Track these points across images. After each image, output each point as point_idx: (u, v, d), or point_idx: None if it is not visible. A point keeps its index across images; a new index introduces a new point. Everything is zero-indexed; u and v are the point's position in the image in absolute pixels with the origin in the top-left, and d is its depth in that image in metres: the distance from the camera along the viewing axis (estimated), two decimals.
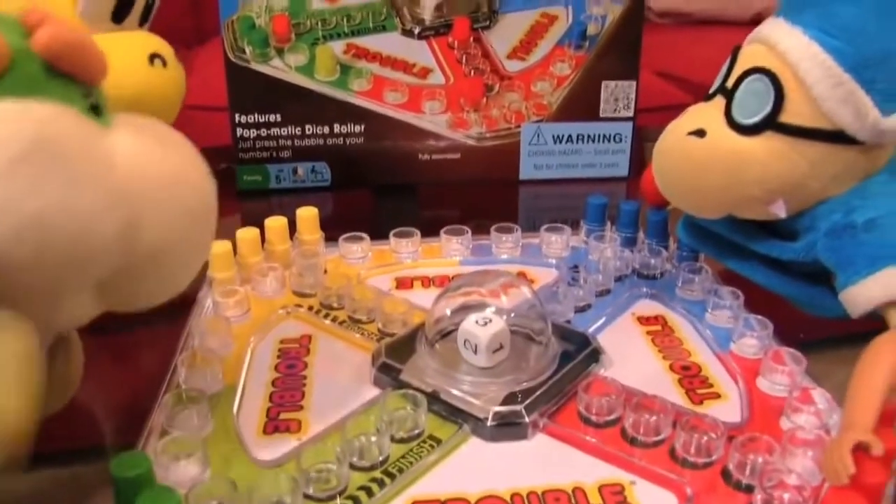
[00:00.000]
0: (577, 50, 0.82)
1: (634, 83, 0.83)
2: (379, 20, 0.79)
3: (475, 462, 0.43)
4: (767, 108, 0.49)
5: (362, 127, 0.82)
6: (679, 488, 0.41)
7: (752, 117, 0.50)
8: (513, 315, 0.49)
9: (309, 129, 0.82)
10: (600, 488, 0.41)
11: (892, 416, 0.39)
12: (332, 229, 0.66)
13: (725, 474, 0.41)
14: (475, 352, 0.47)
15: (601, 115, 0.84)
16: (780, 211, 0.52)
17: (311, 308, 0.58)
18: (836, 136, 0.49)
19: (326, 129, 0.82)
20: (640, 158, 0.86)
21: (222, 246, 0.59)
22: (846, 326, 0.50)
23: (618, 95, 0.83)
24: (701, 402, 0.47)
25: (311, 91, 0.80)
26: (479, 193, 0.84)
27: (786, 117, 0.49)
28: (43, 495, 0.42)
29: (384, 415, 0.44)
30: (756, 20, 0.99)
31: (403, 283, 0.62)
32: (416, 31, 0.80)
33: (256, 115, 0.80)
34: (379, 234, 0.66)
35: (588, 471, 0.42)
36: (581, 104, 0.84)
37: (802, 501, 0.38)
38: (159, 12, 0.66)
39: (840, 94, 0.48)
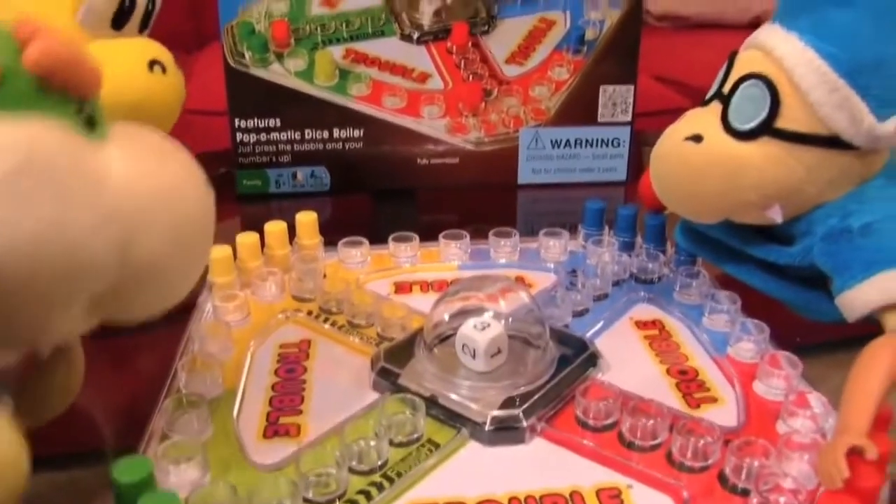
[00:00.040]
0: (576, 55, 0.82)
1: (632, 87, 0.83)
2: (378, 25, 0.79)
3: (473, 466, 0.43)
4: (763, 114, 0.50)
5: (361, 132, 0.82)
6: (676, 492, 0.41)
7: (748, 123, 0.50)
8: (511, 320, 0.49)
9: (308, 134, 0.82)
10: (597, 492, 0.41)
11: (887, 420, 0.39)
12: (332, 234, 0.66)
13: (722, 478, 0.41)
14: (473, 356, 0.47)
15: (599, 120, 0.84)
16: (776, 216, 0.52)
17: (310, 313, 0.58)
18: (832, 142, 0.49)
19: (326, 134, 0.82)
20: (638, 163, 0.86)
21: (222, 251, 0.59)
22: (842, 330, 0.50)
23: (616, 100, 0.84)
24: (698, 406, 0.48)
25: (311, 96, 0.80)
26: (477, 198, 0.84)
27: (782, 123, 0.49)
28: (41, 499, 0.42)
29: (383, 419, 0.44)
30: (754, 24, 0.99)
31: (402, 288, 0.62)
32: (415, 36, 0.80)
33: (256, 120, 0.81)
34: (378, 238, 0.66)
35: (585, 475, 0.42)
36: (579, 109, 0.84)
37: None
38: (159, 17, 0.67)
39: (835, 99, 0.48)
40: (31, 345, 0.40)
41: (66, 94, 0.37)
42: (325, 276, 0.61)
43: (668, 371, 0.51)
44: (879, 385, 0.39)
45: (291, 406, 0.48)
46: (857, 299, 0.47)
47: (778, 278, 0.55)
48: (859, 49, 0.48)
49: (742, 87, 0.51)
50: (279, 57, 0.79)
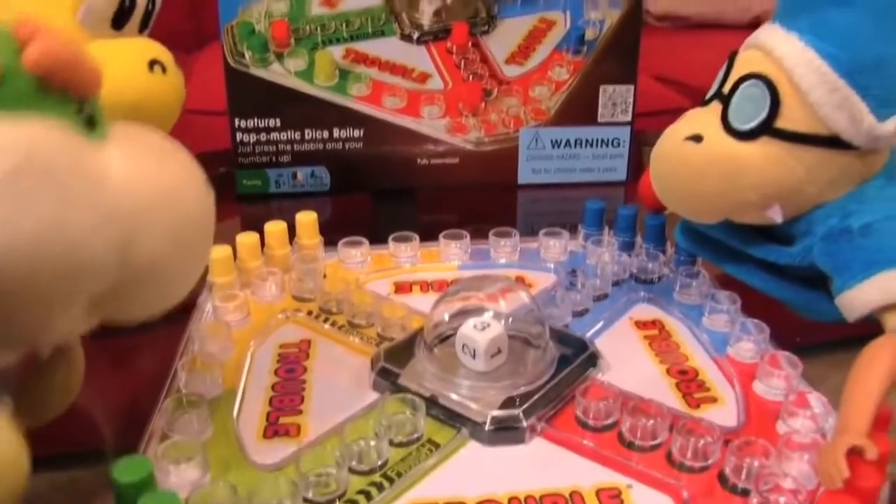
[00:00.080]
0: (576, 55, 0.82)
1: (632, 87, 0.84)
2: (378, 25, 0.79)
3: (473, 466, 0.43)
4: (763, 114, 0.50)
5: (361, 131, 0.82)
6: (676, 492, 0.41)
7: (748, 123, 0.50)
8: (511, 320, 0.49)
9: (308, 134, 0.82)
10: (597, 492, 0.41)
11: (887, 420, 0.39)
12: (332, 233, 0.66)
13: (722, 478, 0.41)
14: (473, 356, 0.47)
15: (599, 120, 0.84)
16: (776, 216, 0.52)
17: (310, 313, 0.58)
18: (832, 142, 0.49)
19: (326, 134, 0.82)
20: (638, 162, 0.87)
21: (222, 251, 0.59)
22: (842, 330, 0.50)
23: (616, 100, 0.84)
24: (698, 406, 0.48)
25: (311, 96, 0.81)
26: (477, 198, 0.84)
27: (782, 123, 0.49)
28: (41, 499, 0.42)
29: (383, 419, 0.44)
30: (754, 24, 0.99)
31: (402, 288, 0.62)
32: (415, 36, 0.80)
33: (256, 120, 0.81)
34: (378, 238, 0.66)
35: (585, 475, 0.42)
36: (579, 109, 0.84)
37: None
38: (159, 17, 0.67)
39: (835, 99, 0.48)
40: (31, 345, 0.40)
41: (66, 94, 0.36)
42: (325, 276, 0.61)
43: (668, 371, 0.51)
44: (879, 385, 0.39)
45: (291, 406, 0.48)
46: (857, 299, 0.47)
47: (778, 278, 0.55)
48: (859, 49, 0.48)
49: (742, 87, 0.51)
50: (279, 57, 0.79)
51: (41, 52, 0.35)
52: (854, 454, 0.37)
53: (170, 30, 0.70)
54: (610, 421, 0.45)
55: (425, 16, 0.80)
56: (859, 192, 0.51)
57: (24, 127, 0.34)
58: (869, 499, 0.36)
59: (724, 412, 0.47)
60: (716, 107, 0.52)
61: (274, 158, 0.82)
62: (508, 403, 0.46)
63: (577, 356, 0.51)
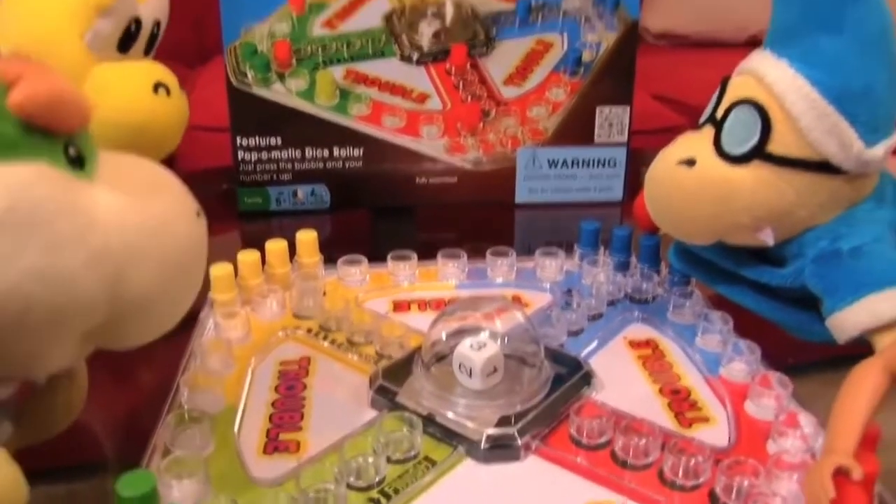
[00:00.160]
0: (573, 76, 0.83)
1: (628, 108, 0.84)
2: (378, 46, 0.80)
3: (469, 483, 0.44)
4: (755, 139, 0.51)
5: (361, 151, 0.83)
6: None
7: (740, 147, 0.51)
8: (507, 339, 0.50)
9: (309, 153, 0.83)
10: None
11: (875, 440, 0.40)
12: (332, 250, 0.67)
13: (712, 497, 0.42)
14: (470, 375, 0.48)
15: (596, 140, 0.85)
16: (768, 238, 0.53)
17: (310, 330, 0.59)
18: (822, 166, 0.50)
19: (326, 153, 0.83)
20: (634, 182, 0.87)
21: (224, 268, 0.60)
22: (833, 351, 0.51)
23: (612, 121, 0.85)
24: (690, 426, 0.48)
25: (312, 115, 0.81)
26: (475, 216, 0.85)
27: (773, 147, 0.50)
28: None
29: (381, 436, 0.45)
30: (751, 43, 1.00)
31: (400, 306, 0.63)
32: (415, 57, 0.81)
33: (257, 139, 0.82)
34: (377, 255, 0.67)
35: (579, 492, 0.43)
36: (576, 129, 0.85)
37: None
38: None
39: (825, 125, 0.49)
40: (25, 377, 0.41)
41: (53, 132, 0.37)
42: (325, 293, 0.62)
43: (660, 390, 0.52)
44: (866, 405, 0.40)
45: (291, 422, 0.49)
46: (847, 321, 0.48)
47: (770, 299, 0.56)
48: (847, 76, 0.49)
49: (734, 112, 0.52)
50: (281, 77, 0.80)
51: (25, 96, 0.35)
52: (841, 474, 0.37)
53: (173, 44, 0.71)
54: (603, 440, 0.46)
55: (425, 37, 0.81)
56: (849, 216, 0.52)
57: (10, 174, 0.35)
58: None
59: (715, 432, 0.48)
60: (708, 131, 0.54)
61: (275, 176, 0.83)
62: (504, 422, 0.46)
63: (571, 375, 0.51)
